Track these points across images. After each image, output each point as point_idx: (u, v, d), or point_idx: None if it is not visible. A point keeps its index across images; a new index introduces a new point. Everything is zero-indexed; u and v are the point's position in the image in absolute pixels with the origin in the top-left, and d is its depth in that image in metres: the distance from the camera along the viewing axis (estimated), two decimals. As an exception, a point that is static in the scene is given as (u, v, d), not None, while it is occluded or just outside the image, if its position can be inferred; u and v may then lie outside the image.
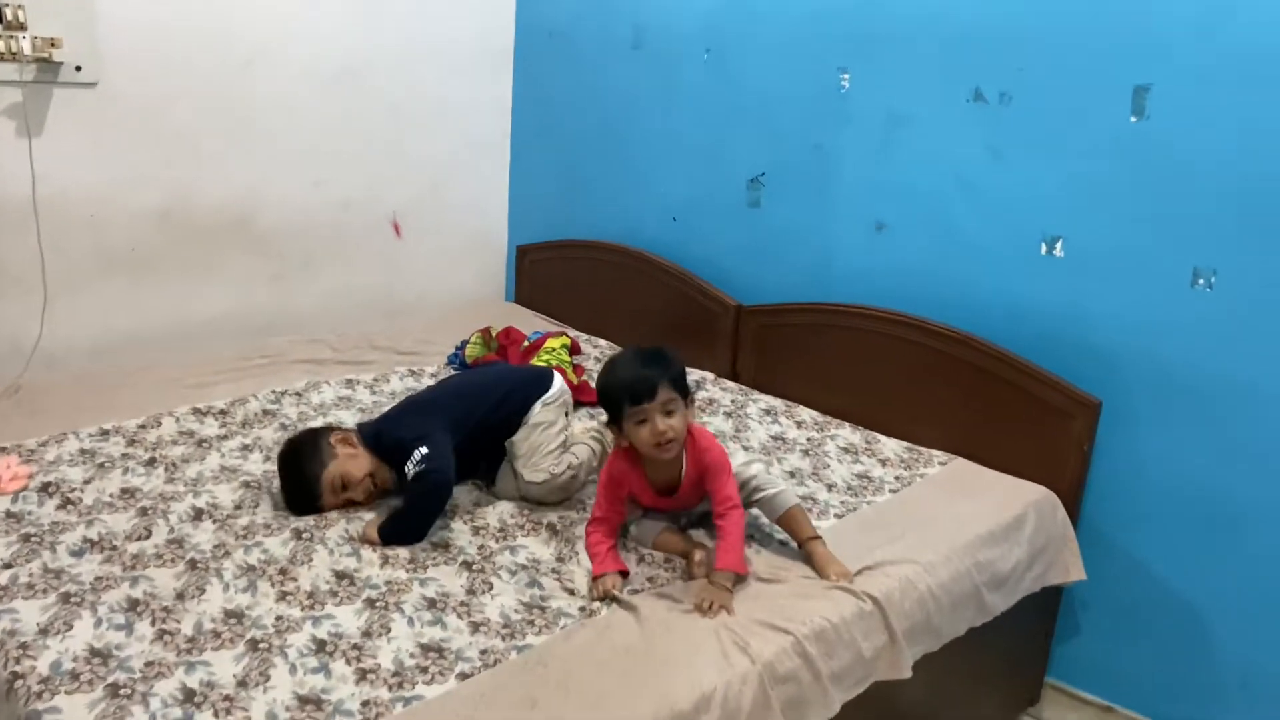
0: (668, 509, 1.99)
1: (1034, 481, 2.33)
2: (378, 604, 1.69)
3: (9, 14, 2.41)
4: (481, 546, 1.92)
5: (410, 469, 1.94)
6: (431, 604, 1.71)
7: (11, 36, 2.43)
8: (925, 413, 2.55)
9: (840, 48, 2.68)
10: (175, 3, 2.72)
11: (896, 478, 2.36)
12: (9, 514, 1.90)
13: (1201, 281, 2.16)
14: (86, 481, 2.05)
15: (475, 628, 1.64)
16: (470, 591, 1.75)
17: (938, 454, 2.47)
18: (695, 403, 1.93)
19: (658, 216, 3.22)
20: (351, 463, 2.00)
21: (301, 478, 1.99)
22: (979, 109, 2.44)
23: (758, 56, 2.87)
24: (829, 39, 2.70)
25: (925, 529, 2.08)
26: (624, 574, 1.83)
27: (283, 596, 1.70)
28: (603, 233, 3.37)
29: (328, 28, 3.05)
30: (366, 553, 1.85)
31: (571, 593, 1.78)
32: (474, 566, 1.83)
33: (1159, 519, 2.29)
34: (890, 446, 2.51)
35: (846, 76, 2.68)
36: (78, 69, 2.57)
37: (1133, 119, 2.20)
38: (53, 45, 2.50)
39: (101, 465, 2.12)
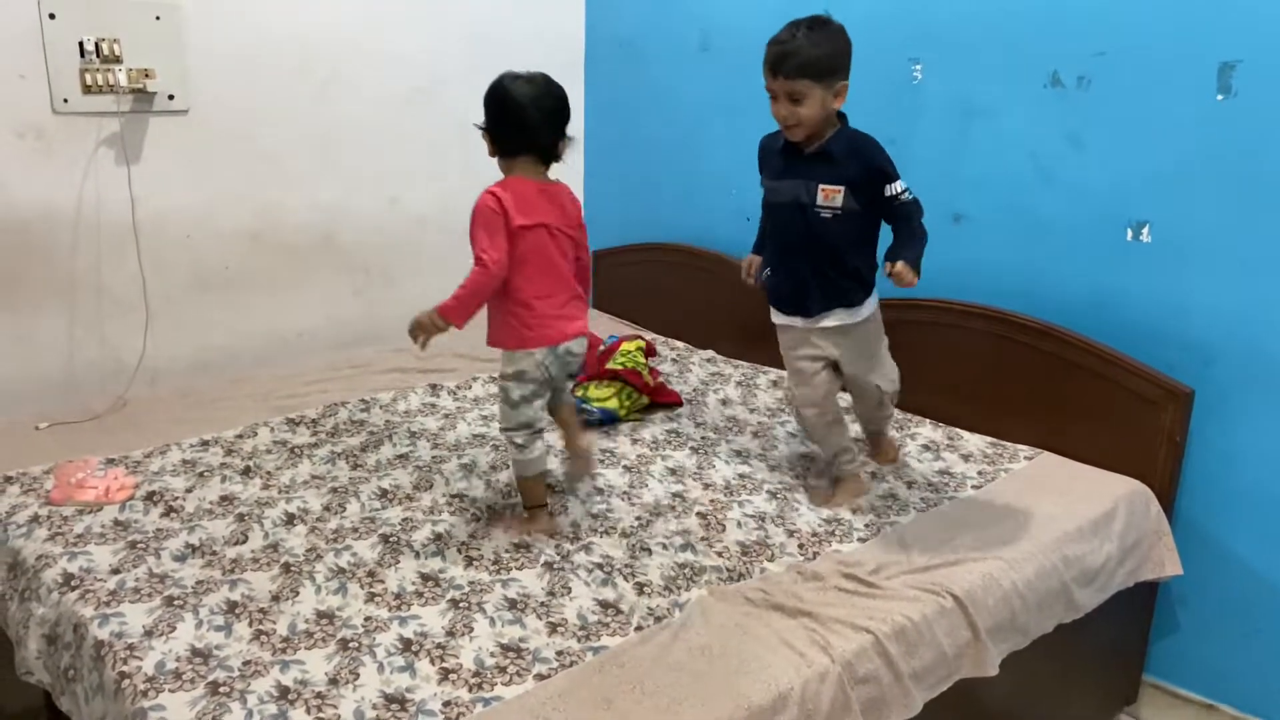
0: None
1: (1125, 475, 2.26)
2: (461, 604, 1.74)
3: (105, 48, 2.54)
4: (558, 546, 1.95)
5: None
6: (512, 604, 1.74)
7: (109, 70, 2.56)
8: (1009, 407, 2.50)
9: (912, 38, 2.65)
10: (256, 31, 2.83)
11: (979, 473, 2.31)
12: (117, 522, 2.01)
13: (1298, 263, 2.07)
14: (188, 490, 2.15)
15: (553, 628, 1.68)
16: (550, 593, 1.78)
17: (1023, 449, 2.42)
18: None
19: (731, 217, 3.21)
20: None
21: None
22: (1057, 94, 2.38)
23: (827, 52, 2.84)
24: (900, 30, 2.67)
25: (1009, 525, 2.04)
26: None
27: (371, 598, 1.76)
28: (677, 235, 3.38)
29: (399, 48, 3.13)
30: (451, 553, 1.91)
31: (643, 589, 1.80)
32: (554, 567, 1.87)
33: (1259, 512, 2.20)
34: (973, 442, 2.47)
35: (919, 67, 2.65)
36: (170, 98, 2.69)
37: (1219, 97, 2.13)
38: (147, 76, 2.62)
39: (201, 474, 2.22)
